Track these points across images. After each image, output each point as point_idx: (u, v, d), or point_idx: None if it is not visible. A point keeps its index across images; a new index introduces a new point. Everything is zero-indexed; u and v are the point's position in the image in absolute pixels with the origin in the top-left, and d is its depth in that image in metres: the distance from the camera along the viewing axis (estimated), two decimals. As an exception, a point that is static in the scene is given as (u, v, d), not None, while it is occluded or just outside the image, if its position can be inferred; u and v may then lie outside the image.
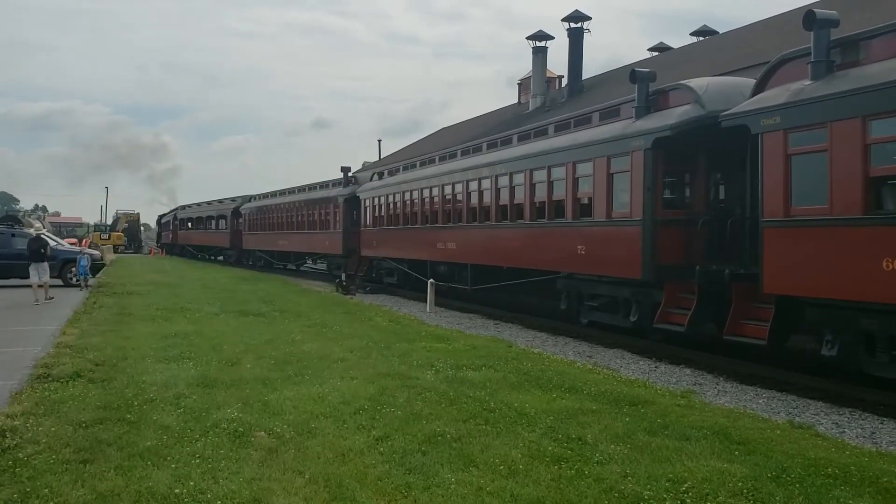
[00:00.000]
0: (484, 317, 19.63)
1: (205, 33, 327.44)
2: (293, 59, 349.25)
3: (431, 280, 22.00)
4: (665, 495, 5.73)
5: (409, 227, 25.10)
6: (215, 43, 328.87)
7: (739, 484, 5.96)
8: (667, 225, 13.20)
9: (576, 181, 15.43)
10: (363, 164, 60.14)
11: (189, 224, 63.73)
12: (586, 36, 38.77)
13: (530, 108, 41.71)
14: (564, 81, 42.20)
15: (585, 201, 15.37)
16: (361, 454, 6.66)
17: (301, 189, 39.53)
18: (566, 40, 39.28)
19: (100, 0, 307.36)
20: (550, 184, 16.33)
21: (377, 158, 62.90)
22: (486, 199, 19.55)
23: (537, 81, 41.86)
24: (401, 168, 28.32)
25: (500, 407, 8.38)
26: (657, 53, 41.64)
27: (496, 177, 18.80)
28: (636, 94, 13.90)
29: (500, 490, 5.78)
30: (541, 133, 17.68)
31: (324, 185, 36.42)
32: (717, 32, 38.40)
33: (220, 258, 55.95)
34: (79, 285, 25.30)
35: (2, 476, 5.91)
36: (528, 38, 41.77)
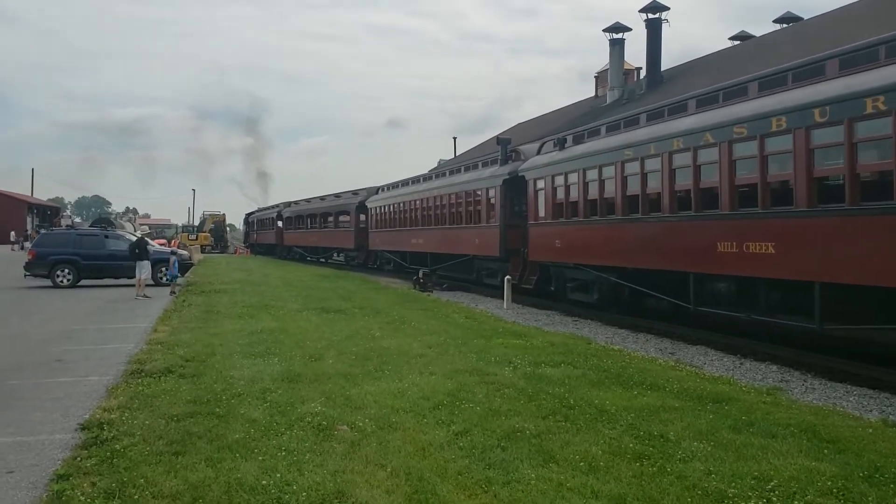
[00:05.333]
0: (562, 314, 19.50)
1: (284, 37, 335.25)
2: (368, 59, 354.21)
3: (508, 276, 21.74)
4: (750, 493, 5.60)
5: (642, 218, 15.95)
6: (294, 46, 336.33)
7: (829, 483, 5.77)
8: None
9: None
10: (439, 162, 60.50)
11: (299, 223, 54.60)
12: (664, 26, 38.17)
13: (608, 101, 41.23)
14: (642, 73, 41.56)
15: None
16: (441, 449, 6.72)
17: (440, 174, 31.98)
18: (643, 32, 38.72)
19: (184, 9, 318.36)
20: None
21: (453, 156, 63.13)
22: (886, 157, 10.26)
23: (615, 74, 41.41)
24: (603, 129, 18.47)
25: (580, 404, 8.33)
26: (738, 42, 40.61)
27: None
28: None
29: (581, 486, 5.75)
30: None
31: (471, 165, 28.72)
32: (802, 19, 37.21)
33: (340, 258, 48.40)
34: (168, 285, 24.97)
35: (101, 466, 6.19)
36: (604, 30, 41.39)
